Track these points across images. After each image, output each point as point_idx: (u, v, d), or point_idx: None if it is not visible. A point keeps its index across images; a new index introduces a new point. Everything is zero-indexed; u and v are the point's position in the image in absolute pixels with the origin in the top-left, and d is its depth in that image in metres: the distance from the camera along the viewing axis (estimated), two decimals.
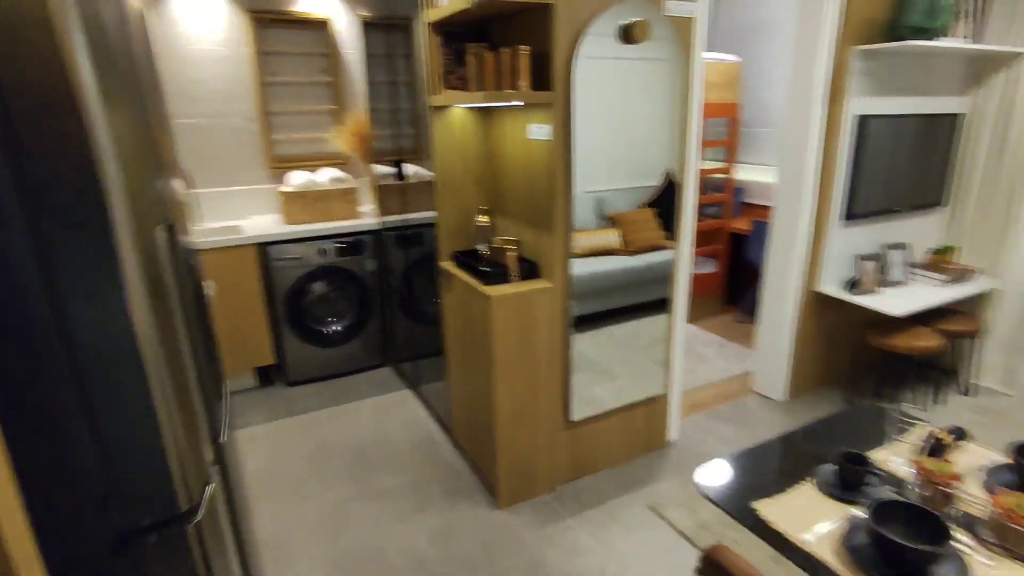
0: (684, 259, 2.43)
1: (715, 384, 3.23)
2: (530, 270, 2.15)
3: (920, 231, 3.20)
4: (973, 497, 1.18)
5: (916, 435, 1.33)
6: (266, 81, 3.28)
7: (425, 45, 2.18)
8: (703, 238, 4.08)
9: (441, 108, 2.23)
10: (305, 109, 3.43)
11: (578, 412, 2.30)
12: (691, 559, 1.99)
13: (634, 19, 1.94)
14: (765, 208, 4.16)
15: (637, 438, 2.55)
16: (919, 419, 1.35)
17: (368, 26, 3.29)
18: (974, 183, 3.08)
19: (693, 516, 2.19)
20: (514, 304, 2.03)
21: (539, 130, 1.99)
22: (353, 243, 3.17)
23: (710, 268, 4.15)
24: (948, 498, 1.14)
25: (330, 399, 3.11)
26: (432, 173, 2.34)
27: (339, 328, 3.26)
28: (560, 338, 2.19)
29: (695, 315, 4.15)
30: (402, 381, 3.31)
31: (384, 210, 3.23)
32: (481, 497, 2.31)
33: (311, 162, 3.49)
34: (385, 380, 3.33)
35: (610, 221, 2.18)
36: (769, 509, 1.16)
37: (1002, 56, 2.84)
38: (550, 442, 2.28)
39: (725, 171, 4.00)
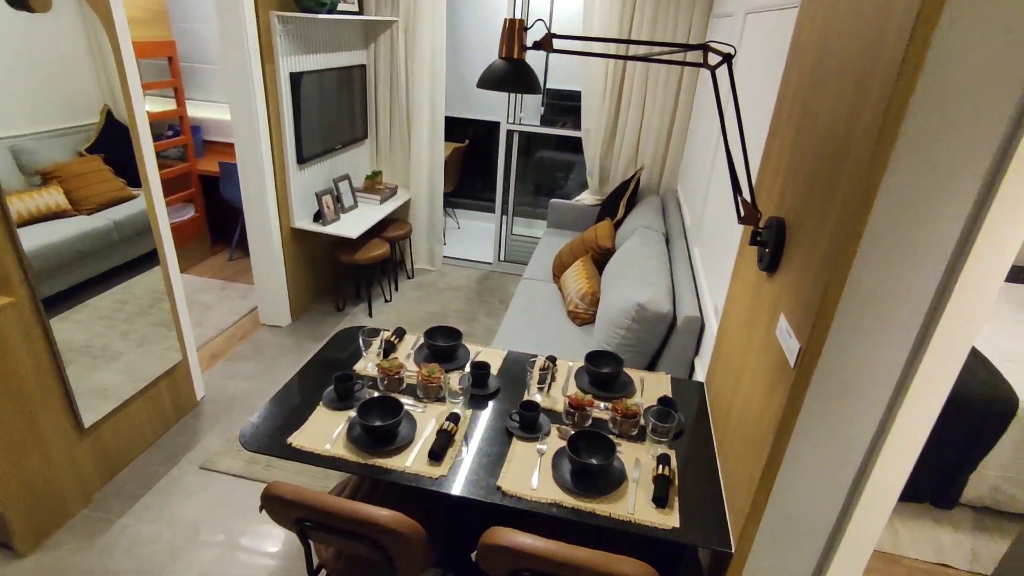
0: (159, 205, 2.42)
1: (226, 330, 3.44)
2: None
3: (357, 161, 4.03)
4: (413, 372, 1.91)
5: (377, 342, 1.98)
6: None
7: None
8: (174, 185, 3.95)
9: None
10: None
11: (91, 416, 2.19)
12: (255, 490, 2.34)
13: None
14: (229, 145, 4.30)
15: (167, 410, 2.60)
16: (378, 330, 2.00)
17: None
18: (383, 118, 4.03)
19: (241, 456, 2.50)
20: None
21: None
22: None
23: (190, 213, 4.11)
24: (401, 381, 1.82)
25: None
26: None
27: None
28: (45, 350, 1.99)
29: (186, 264, 4.10)
30: None
31: None
32: None
33: None
34: None
35: (44, 177, 1.94)
36: (301, 438, 1.59)
37: (381, 23, 3.71)
38: (70, 456, 2.12)
39: (178, 113, 3.88)
